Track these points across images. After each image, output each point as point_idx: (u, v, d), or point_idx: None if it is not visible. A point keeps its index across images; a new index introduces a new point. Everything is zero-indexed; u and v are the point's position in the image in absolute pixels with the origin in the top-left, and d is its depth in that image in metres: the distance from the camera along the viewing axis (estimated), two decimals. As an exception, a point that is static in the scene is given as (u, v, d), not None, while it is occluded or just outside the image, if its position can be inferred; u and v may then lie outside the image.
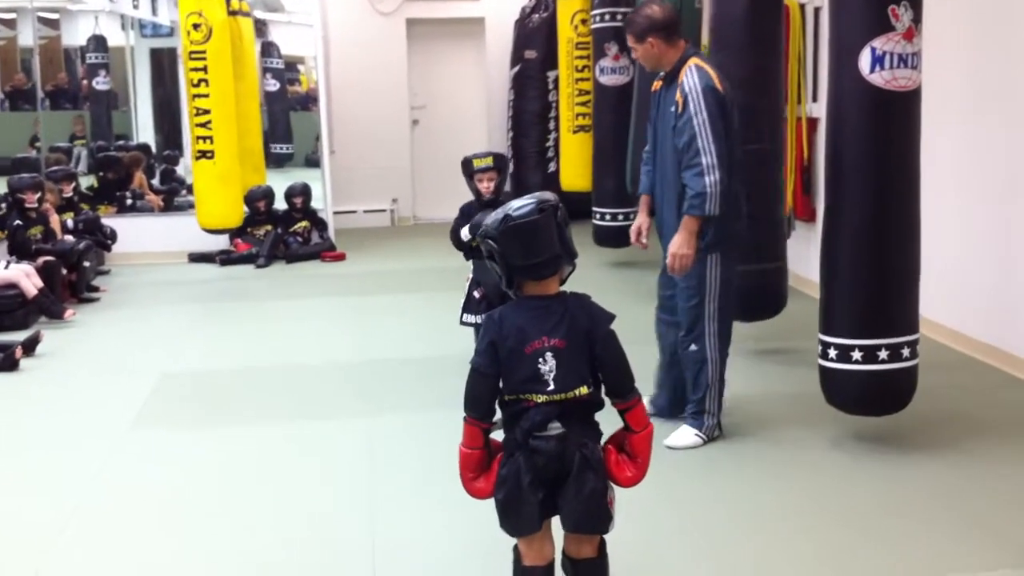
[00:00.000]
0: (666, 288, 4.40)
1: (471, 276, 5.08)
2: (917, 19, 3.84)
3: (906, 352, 3.98)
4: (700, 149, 3.95)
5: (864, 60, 3.82)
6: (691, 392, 4.31)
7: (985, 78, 5.35)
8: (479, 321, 4.96)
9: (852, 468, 4.04)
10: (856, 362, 3.96)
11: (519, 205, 2.48)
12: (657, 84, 4.32)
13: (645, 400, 2.69)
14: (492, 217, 2.51)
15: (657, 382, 4.53)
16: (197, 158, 8.45)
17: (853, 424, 4.33)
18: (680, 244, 4.06)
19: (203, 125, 8.38)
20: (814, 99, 6.82)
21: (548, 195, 2.55)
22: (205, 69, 8.31)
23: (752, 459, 4.17)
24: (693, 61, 4.09)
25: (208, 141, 8.39)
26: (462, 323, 5.08)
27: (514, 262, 2.49)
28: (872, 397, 4.06)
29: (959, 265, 5.52)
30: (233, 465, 4.26)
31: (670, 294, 4.37)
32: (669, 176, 4.18)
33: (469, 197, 5.07)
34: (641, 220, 4.44)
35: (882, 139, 3.90)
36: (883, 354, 3.94)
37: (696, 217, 4.01)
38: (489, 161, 5.00)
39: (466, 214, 4.95)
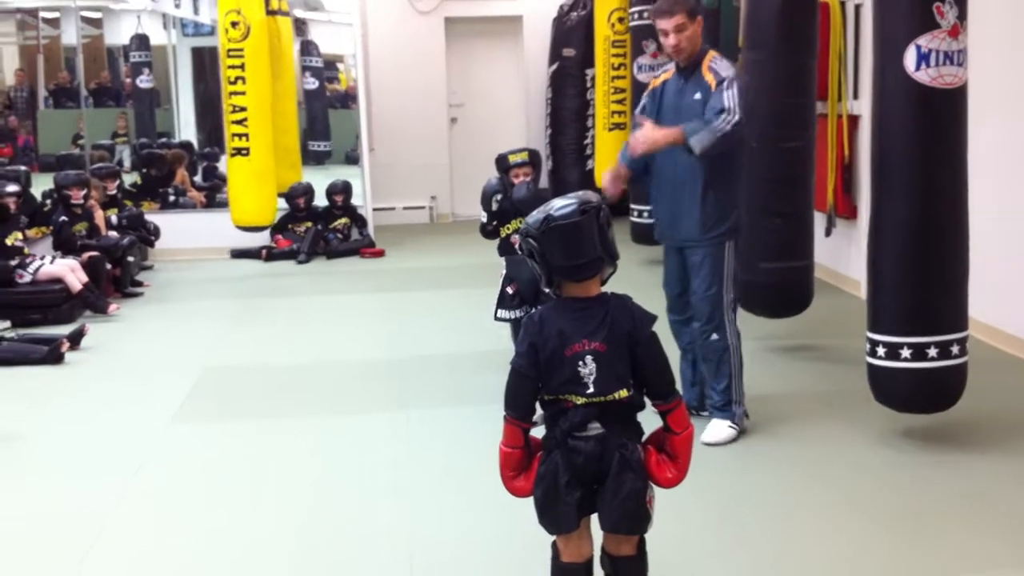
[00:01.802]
0: (673, 288, 4.39)
1: (505, 272, 5.10)
2: (962, 16, 3.80)
3: (955, 349, 3.94)
4: (727, 107, 3.92)
5: (909, 58, 3.79)
6: (714, 382, 4.30)
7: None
8: (513, 316, 5.00)
9: (888, 465, 4.01)
10: (905, 359, 3.92)
11: (561, 205, 2.46)
12: (656, 81, 4.30)
13: None
14: (534, 216, 2.50)
15: (682, 380, 4.48)
16: (232, 155, 8.47)
17: (889, 421, 4.29)
18: (660, 136, 3.95)
19: (239, 122, 8.38)
20: (855, 96, 6.75)
21: (591, 195, 2.52)
22: (242, 67, 8.32)
23: (784, 455, 4.15)
24: (714, 53, 4.15)
25: (244, 138, 8.40)
26: (496, 319, 5.12)
27: (554, 262, 2.47)
28: (922, 395, 4.03)
29: (1000, 262, 5.44)
30: (272, 459, 4.31)
31: (678, 292, 4.37)
32: (682, 176, 4.14)
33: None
34: (619, 169, 4.22)
35: (928, 136, 3.86)
36: (932, 351, 3.90)
37: (687, 140, 3.92)
38: (524, 156, 5.06)
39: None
